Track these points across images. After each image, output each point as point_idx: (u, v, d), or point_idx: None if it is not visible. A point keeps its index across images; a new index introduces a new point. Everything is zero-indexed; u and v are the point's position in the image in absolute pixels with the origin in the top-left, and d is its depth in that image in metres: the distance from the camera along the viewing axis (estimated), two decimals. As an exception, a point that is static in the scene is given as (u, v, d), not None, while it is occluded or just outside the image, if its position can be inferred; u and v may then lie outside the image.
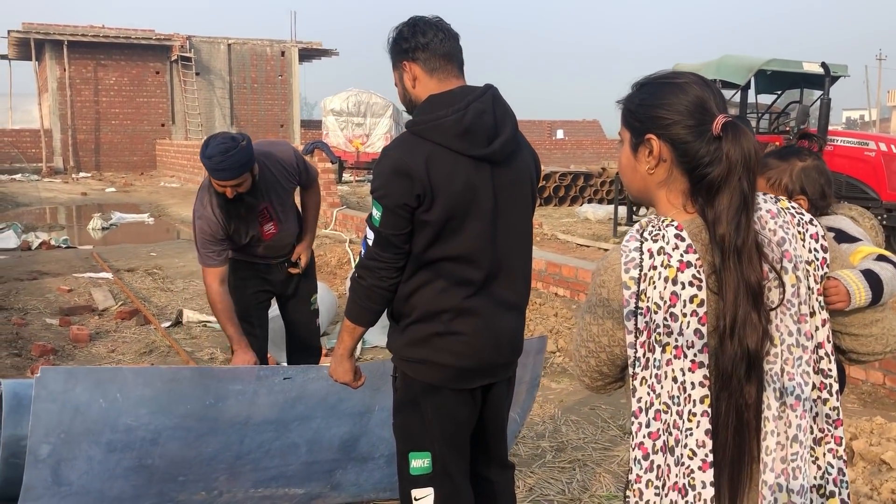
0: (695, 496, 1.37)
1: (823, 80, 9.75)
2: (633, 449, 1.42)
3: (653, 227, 1.43)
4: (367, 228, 2.21)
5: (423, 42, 2.23)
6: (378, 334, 5.60)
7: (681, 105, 1.43)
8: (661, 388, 1.39)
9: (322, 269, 8.75)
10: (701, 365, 1.37)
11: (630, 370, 1.42)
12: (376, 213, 2.16)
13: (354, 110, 21.22)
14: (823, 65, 9.81)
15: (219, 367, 3.13)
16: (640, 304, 1.38)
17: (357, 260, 2.27)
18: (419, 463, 2.31)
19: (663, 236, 1.40)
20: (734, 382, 1.37)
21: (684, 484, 1.38)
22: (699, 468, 1.37)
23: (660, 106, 1.44)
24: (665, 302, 1.37)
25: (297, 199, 3.93)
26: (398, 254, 2.18)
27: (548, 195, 16.35)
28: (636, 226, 1.46)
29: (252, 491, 2.88)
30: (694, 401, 1.37)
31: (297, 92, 31.88)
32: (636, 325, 1.39)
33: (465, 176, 2.15)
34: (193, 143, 23.97)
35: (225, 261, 3.53)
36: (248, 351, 3.39)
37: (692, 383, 1.37)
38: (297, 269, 3.85)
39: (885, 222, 8.77)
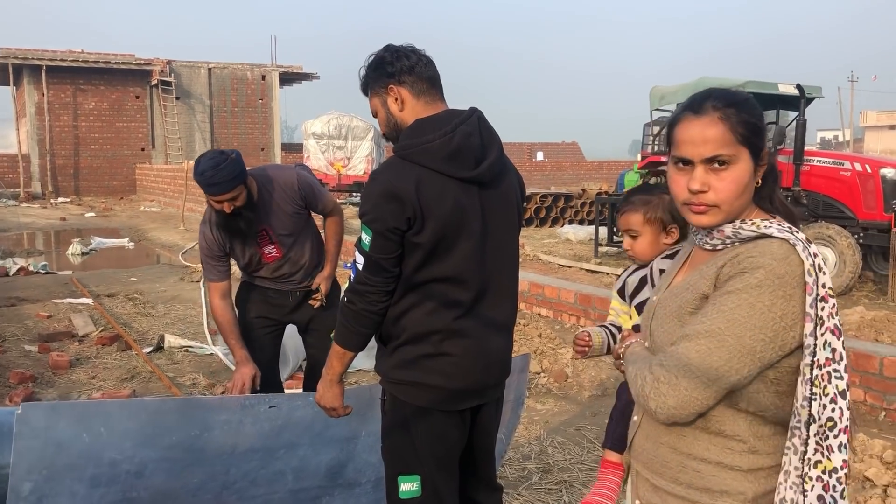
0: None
1: (799, 101, 9.90)
2: (839, 434, 1.40)
3: (778, 222, 1.49)
4: (357, 253, 2.21)
5: (408, 65, 2.26)
6: (363, 357, 5.57)
7: None
8: (845, 371, 1.41)
9: (305, 293, 8.72)
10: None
11: (808, 359, 1.39)
12: (366, 238, 2.16)
13: (335, 133, 21.26)
14: (798, 87, 9.97)
15: (205, 398, 3.09)
16: (820, 291, 1.39)
17: (346, 284, 2.27)
18: (408, 486, 2.29)
19: (796, 230, 1.47)
20: None
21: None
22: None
23: (763, 120, 1.53)
24: (833, 289, 1.42)
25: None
26: (388, 277, 2.18)
27: (529, 216, 16.43)
28: (756, 224, 1.48)
29: (238, 520, 2.84)
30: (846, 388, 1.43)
31: (277, 115, 31.90)
32: (817, 312, 1.38)
33: (454, 198, 2.17)
34: (174, 167, 23.88)
35: (225, 276, 3.64)
36: (248, 363, 3.46)
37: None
38: (316, 300, 3.76)
39: (861, 241, 8.89)
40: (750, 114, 1.49)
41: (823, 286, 1.39)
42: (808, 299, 1.38)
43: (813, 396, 1.39)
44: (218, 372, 5.87)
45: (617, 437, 1.77)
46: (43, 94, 27.21)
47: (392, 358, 2.27)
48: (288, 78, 32.71)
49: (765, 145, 1.51)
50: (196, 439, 2.56)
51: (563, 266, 10.56)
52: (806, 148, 9.81)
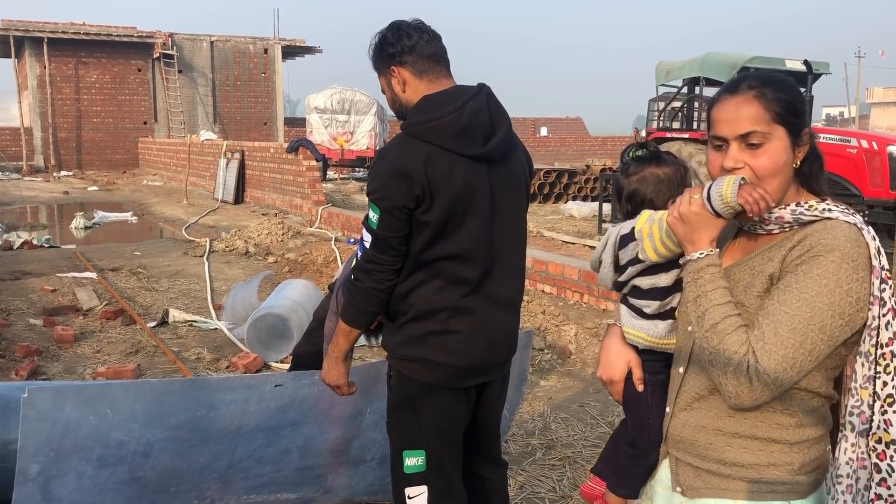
0: None
1: (806, 77, 9.83)
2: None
3: (833, 203, 1.50)
4: (364, 230, 2.19)
5: (409, 45, 2.23)
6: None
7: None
8: None
9: (308, 268, 8.73)
10: None
11: (873, 340, 1.44)
12: (373, 216, 2.15)
13: (338, 108, 21.16)
14: (806, 62, 9.90)
15: (210, 378, 3.10)
16: (882, 274, 1.44)
17: (353, 261, 2.25)
18: (413, 461, 2.31)
19: (853, 211, 1.49)
20: None
21: None
22: None
23: (803, 101, 1.54)
24: (890, 270, 1.46)
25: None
26: (396, 256, 2.17)
27: (532, 192, 16.32)
28: (801, 207, 1.49)
29: (244, 497, 2.86)
30: None
31: (280, 89, 31.74)
32: (881, 295, 1.43)
33: (463, 176, 2.15)
34: (176, 141, 23.83)
35: None
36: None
37: None
38: None
39: (867, 218, 8.85)
40: (787, 92, 1.50)
41: (883, 268, 1.44)
42: (876, 282, 1.43)
43: (877, 375, 1.45)
44: (222, 346, 5.89)
45: (626, 482, 1.77)
46: (45, 67, 27.07)
47: (399, 334, 2.27)
48: (290, 51, 32.51)
49: (804, 125, 1.51)
50: (202, 419, 2.57)
51: (567, 243, 10.56)
52: (812, 125, 9.75)
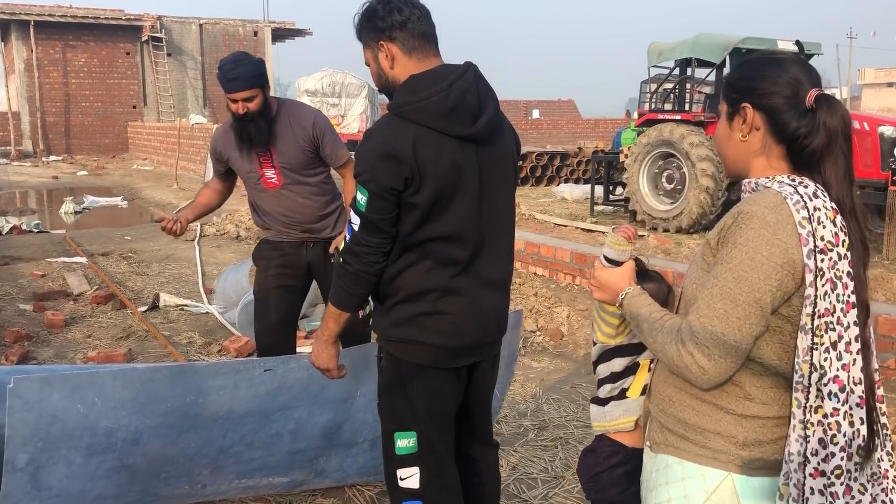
0: (854, 432, 1.45)
1: (797, 58, 9.81)
2: (829, 383, 1.43)
3: (790, 177, 1.51)
4: (352, 213, 2.16)
5: (399, 20, 2.16)
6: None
7: (776, 77, 1.53)
8: (838, 324, 1.43)
9: (300, 252, 8.70)
10: (854, 305, 1.44)
11: (808, 309, 1.43)
12: (362, 198, 2.11)
13: (329, 91, 21.01)
14: (798, 43, 9.87)
15: (198, 364, 3.08)
16: (818, 243, 1.43)
17: (342, 245, 2.23)
18: (405, 443, 2.30)
19: (806, 184, 1.49)
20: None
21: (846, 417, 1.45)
22: (857, 405, 1.44)
23: (758, 77, 1.55)
24: (834, 241, 1.44)
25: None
26: (385, 238, 2.15)
27: (524, 175, 16.36)
28: (766, 180, 1.52)
29: (236, 482, 2.86)
30: (851, 340, 1.44)
31: (270, 72, 31.53)
32: (816, 264, 1.42)
33: (451, 156, 2.13)
34: (166, 125, 23.67)
35: (220, 174, 3.91)
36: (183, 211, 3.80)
37: (851, 322, 1.44)
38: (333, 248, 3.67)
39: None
40: (738, 69, 1.62)
41: (822, 238, 1.43)
42: (804, 250, 1.43)
43: (814, 346, 1.44)
44: (214, 330, 5.87)
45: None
46: (32, 51, 26.77)
47: (389, 316, 2.25)
48: (280, 34, 32.25)
49: (739, 100, 1.56)
50: (191, 405, 2.56)
51: (559, 225, 10.54)
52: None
